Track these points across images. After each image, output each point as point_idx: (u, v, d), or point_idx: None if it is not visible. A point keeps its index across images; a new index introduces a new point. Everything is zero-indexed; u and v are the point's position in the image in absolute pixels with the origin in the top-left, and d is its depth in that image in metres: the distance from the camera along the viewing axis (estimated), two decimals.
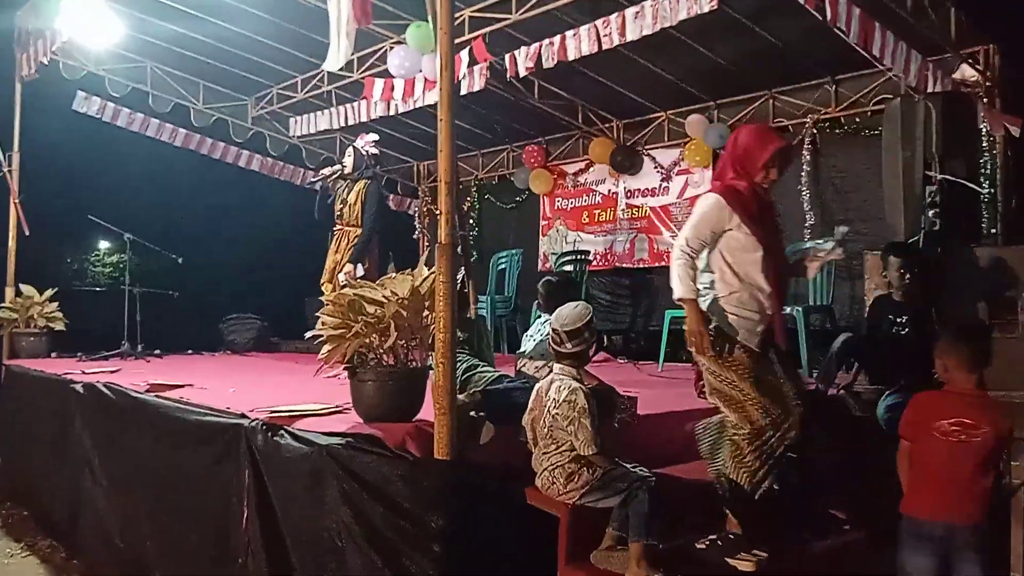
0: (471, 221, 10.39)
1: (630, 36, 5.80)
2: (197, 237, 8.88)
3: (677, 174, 8.31)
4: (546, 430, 3.17)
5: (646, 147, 8.60)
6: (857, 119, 6.96)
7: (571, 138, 9.32)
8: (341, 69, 8.38)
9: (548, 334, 3.77)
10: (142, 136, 9.17)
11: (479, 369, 3.62)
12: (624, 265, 8.65)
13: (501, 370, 3.75)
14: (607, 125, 8.80)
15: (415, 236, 11.32)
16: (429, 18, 3.57)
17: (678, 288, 3.23)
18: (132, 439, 4.64)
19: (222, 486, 3.81)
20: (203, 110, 9.47)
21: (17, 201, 7.97)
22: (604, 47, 5.88)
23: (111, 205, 8.25)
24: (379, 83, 7.71)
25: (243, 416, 3.84)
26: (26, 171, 8.06)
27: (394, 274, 3.49)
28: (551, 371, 3.61)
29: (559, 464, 3.13)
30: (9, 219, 7.96)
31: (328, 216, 6.21)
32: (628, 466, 3.21)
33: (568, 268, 8.07)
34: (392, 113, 7.80)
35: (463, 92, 6.94)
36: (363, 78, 8.05)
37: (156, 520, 4.35)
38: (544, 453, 3.18)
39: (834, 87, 7.08)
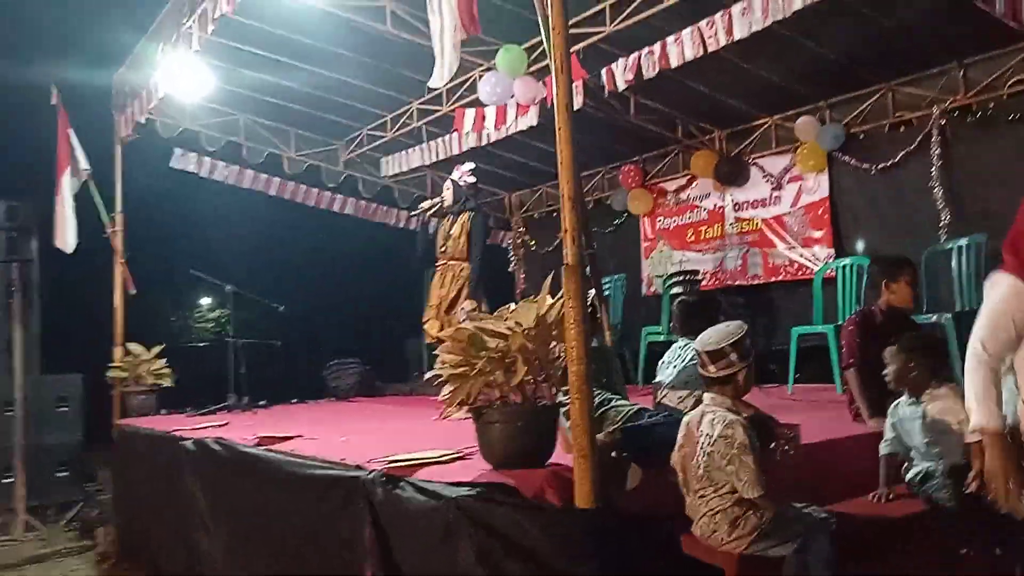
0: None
1: (737, 35, 5.40)
2: (296, 285, 8.86)
3: (789, 182, 7.79)
4: (701, 470, 2.77)
5: (752, 156, 8.11)
6: (991, 104, 6.33)
7: (669, 154, 8.91)
8: (430, 102, 8.36)
9: (690, 360, 3.39)
10: (237, 188, 9.23)
11: (614, 404, 3.25)
12: (737, 283, 8.15)
13: (638, 403, 3.36)
14: (708, 137, 8.36)
15: (510, 270, 11.06)
16: (539, 20, 3.28)
17: (978, 413, 2.31)
18: (245, 494, 4.43)
19: (342, 543, 3.52)
20: (295, 158, 9.47)
21: (122, 261, 8.04)
22: (710, 49, 5.49)
23: (211, 259, 8.31)
24: (470, 113, 7.50)
25: (359, 467, 3.56)
26: (128, 230, 8.15)
27: (513, 305, 3.16)
28: (697, 401, 3.22)
29: (721, 508, 2.72)
30: (115, 279, 8.03)
31: (429, 253, 6.02)
32: (799, 506, 2.78)
33: (677, 290, 7.64)
34: (484, 144, 7.57)
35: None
36: (453, 111, 7.88)
37: None
38: (701, 496, 2.77)
39: (962, 71, 6.48)
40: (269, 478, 4.21)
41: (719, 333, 2.88)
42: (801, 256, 7.65)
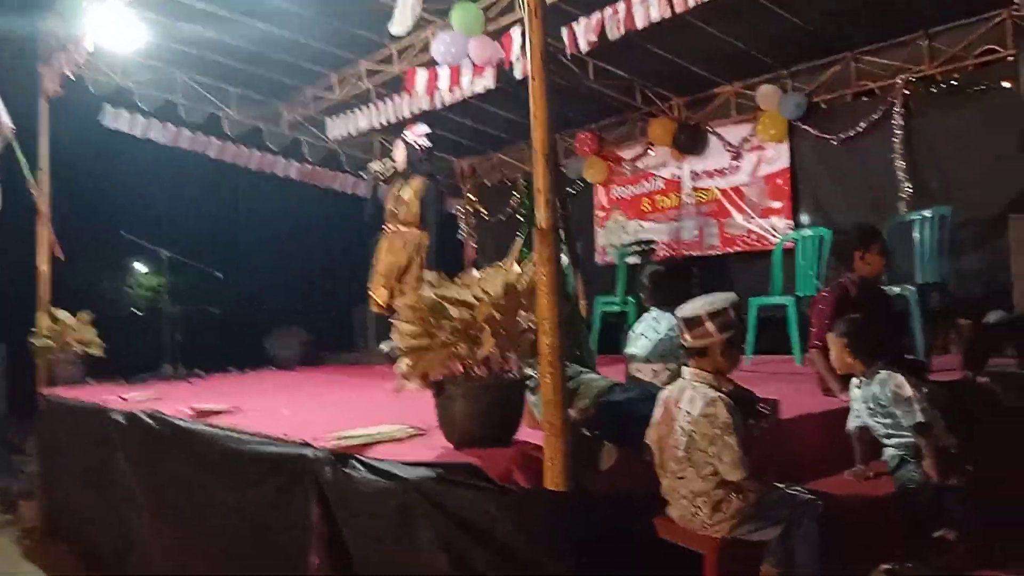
0: (520, 218, 9.80)
1: None
2: (237, 251, 8.44)
3: (748, 151, 7.65)
4: (680, 450, 2.57)
5: (711, 125, 7.94)
6: (956, 75, 6.24)
7: (626, 121, 8.69)
8: (380, 62, 7.98)
9: (666, 332, 3.19)
10: (175, 150, 8.73)
11: (583, 377, 3.03)
12: (693, 253, 8.00)
13: (610, 377, 3.15)
14: (667, 104, 8.16)
15: (458, 237, 10.77)
16: None
17: None
18: (179, 472, 4.12)
19: (286, 526, 3.26)
20: (236, 118, 8.99)
21: (48, 224, 7.53)
22: (678, 10, 5.26)
23: (148, 224, 7.84)
24: (422, 74, 7.14)
25: (305, 444, 3.29)
26: (55, 192, 7.64)
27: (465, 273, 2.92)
28: (673, 376, 3.03)
29: (702, 491, 2.53)
30: (40, 243, 7.53)
31: (378, 217, 5.70)
32: (783, 487, 2.61)
33: (633, 260, 7.47)
34: (438, 106, 7.23)
35: (519, 75, 6.35)
36: (404, 71, 7.52)
37: (213, 562, 3.83)
38: (680, 478, 2.58)
39: (927, 41, 6.36)
40: (206, 455, 3.91)
41: (701, 301, 2.68)
42: (759, 227, 7.53)
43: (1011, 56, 5.94)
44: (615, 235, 8.75)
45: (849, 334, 3.22)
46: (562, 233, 2.60)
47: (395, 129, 9.04)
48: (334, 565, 2.95)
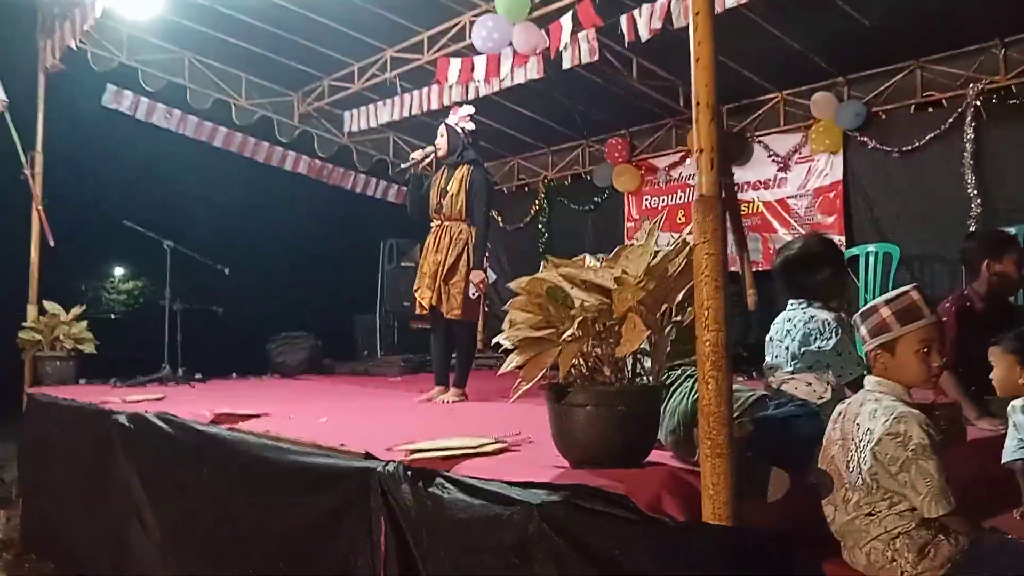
0: (540, 227, 9.31)
1: None
2: (242, 247, 7.84)
3: (796, 163, 7.22)
4: (865, 478, 2.07)
5: (756, 134, 7.51)
6: None
7: (661, 128, 8.25)
8: (407, 50, 7.48)
9: (813, 330, 2.69)
10: (179, 136, 8.17)
11: None
12: (732, 269, 7.50)
13: (756, 388, 2.63)
14: None
15: None
16: None
17: None
18: (200, 484, 3.55)
19: (340, 553, 2.72)
20: (246, 107, 8.45)
21: (40, 208, 6.93)
22: None
23: (147, 212, 7.25)
24: (455, 63, 6.67)
25: (369, 456, 2.75)
26: (50, 174, 7.04)
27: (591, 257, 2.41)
28: (833, 390, 2.53)
29: (903, 531, 2.01)
30: (32, 229, 6.93)
31: (422, 211, 5.19)
32: (1001, 531, 2.11)
33: None
34: (472, 97, 6.74)
35: (566, 65, 5.91)
36: (434, 60, 7.04)
37: None
38: (869, 515, 2.06)
39: (1003, 51, 5.97)
40: (233, 465, 3.35)
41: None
42: None
43: None
44: None
45: (1022, 351, 2.73)
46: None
47: (416, 126, 8.62)
48: None
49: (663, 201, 8.25)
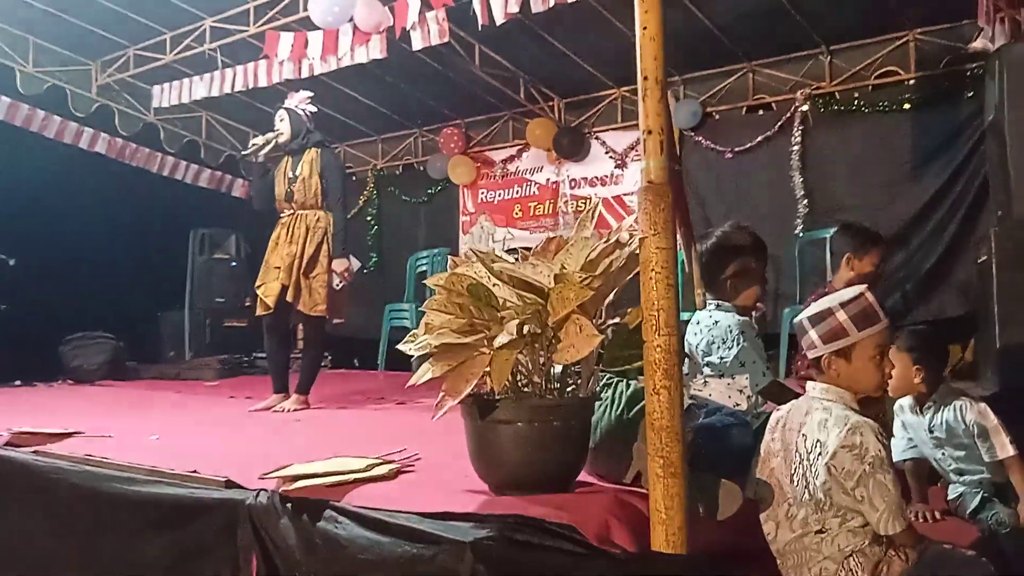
0: (368, 218, 8.86)
1: None
2: (32, 234, 6.81)
3: (633, 160, 7.27)
4: (816, 494, 1.93)
5: (593, 130, 7.49)
6: (856, 94, 6.17)
7: (497, 120, 8.06)
8: (228, 21, 6.81)
9: (734, 333, 2.54)
10: None
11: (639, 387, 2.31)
12: None
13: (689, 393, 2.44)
14: (548, 104, 7.62)
15: None
16: None
17: None
18: (4, 522, 2.92)
19: None
20: (33, 74, 7.40)
21: None
22: None
23: None
24: (286, 37, 6.13)
25: (231, 484, 2.33)
26: None
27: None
28: (744, 397, 2.40)
29: (855, 549, 1.89)
30: None
31: (268, 202, 4.71)
32: (939, 542, 2.05)
33: None
34: (306, 75, 6.21)
35: (416, 47, 5.55)
36: (259, 35, 6.45)
37: None
38: (819, 532, 1.93)
39: (828, 58, 6.27)
40: (46, 498, 2.77)
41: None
42: None
43: (911, 79, 5.97)
44: (482, 242, 8.07)
45: (919, 349, 2.73)
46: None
47: (233, 106, 7.92)
48: None
49: (500, 195, 8.08)
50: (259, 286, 4.51)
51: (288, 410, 4.42)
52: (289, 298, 4.38)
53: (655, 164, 1.87)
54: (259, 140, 4.60)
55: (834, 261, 3.87)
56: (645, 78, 1.91)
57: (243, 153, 4.68)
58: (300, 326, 5.18)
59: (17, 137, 7.25)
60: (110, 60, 7.66)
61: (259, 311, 4.53)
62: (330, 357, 8.36)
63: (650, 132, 1.89)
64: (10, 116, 7.29)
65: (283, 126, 4.65)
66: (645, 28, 1.93)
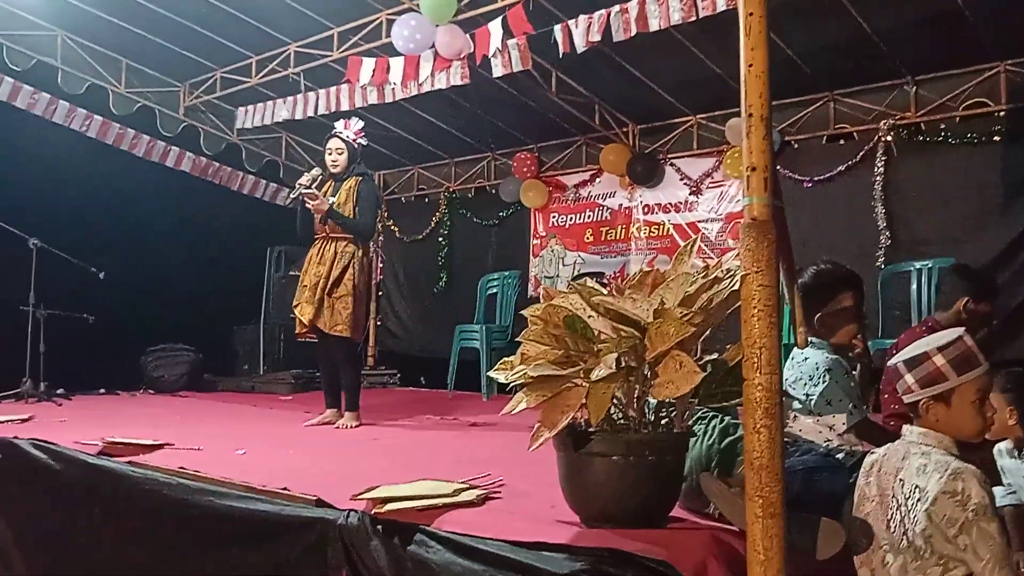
0: (440, 239, 8.96)
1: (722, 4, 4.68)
2: (119, 249, 7.08)
3: (709, 187, 7.22)
4: (904, 539, 1.88)
5: (668, 156, 7.47)
6: (942, 126, 6.03)
7: (571, 145, 8.08)
8: (314, 47, 7.00)
9: (827, 369, 2.50)
10: (48, 121, 7.32)
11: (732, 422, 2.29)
12: None
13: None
14: (623, 130, 7.63)
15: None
16: None
17: None
18: (91, 528, 3.03)
19: None
20: (125, 94, 7.72)
21: None
22: (703, 14, 4.71)
23: (9, 204, 6.42)
24: (368, 62, 6.27)
25: (321, 503, 2.37)
26: None
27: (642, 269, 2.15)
28: (835, 435, 2.35)
29: None
30: None
31: (309, 229, 4.86)
32: None
33: None
34: (388, 100, 6.35)
35: (497, 73, 5.64)
36: (341, 60, 6.61)
37: None
38: None
39: (914, 88, 6.14)
40: (140, 507, 2.86)
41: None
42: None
43: (1002, 111, 5.81)
44: (551, 266, 8.10)
45: (1015, 390, 2.65)
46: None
47: (310, 127, 8.11)
48: None
49: (572, 220, 8.10)
50: (296, 305, 4.68)
51: (347, 427, 4.54)
52: (311, 316, 4.52)
53: (758, 201, 1.86)
54: (305, 179, 4.75)
55: (941, 299, 3.78)
56: (750, 115, 1.90)
57: (291, 196, 4.80)
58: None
59: (108, 155, 7.56)
60: (198, 82, 7.94)
61: (297, 330, 4.70)
62: (399, 375, 8.50)
63: (754, 169, 1.87)
64: (102, 135, 7.61)
65: (341, 158, 4.82)
66: (751, 65, 1.92)
